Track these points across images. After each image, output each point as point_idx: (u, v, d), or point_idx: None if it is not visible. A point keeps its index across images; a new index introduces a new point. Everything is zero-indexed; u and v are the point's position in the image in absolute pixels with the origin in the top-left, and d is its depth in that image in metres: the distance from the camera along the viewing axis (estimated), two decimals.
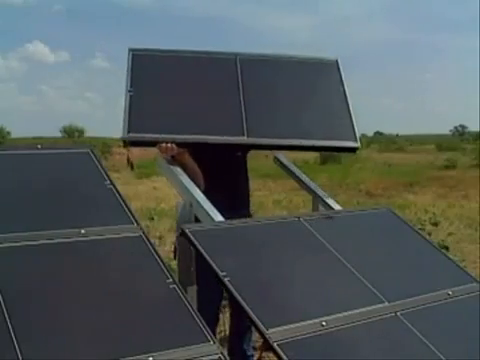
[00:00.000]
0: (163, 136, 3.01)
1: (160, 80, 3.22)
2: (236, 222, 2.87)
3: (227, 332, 4.50)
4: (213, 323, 3.38)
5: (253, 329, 3.46)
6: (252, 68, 3.39)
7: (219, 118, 3.19)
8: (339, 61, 3.63)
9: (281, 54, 3.61)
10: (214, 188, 3.20)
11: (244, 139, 3.09)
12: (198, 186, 3.04)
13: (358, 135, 3.36)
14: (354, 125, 3.37)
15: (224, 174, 3.37)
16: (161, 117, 3.09)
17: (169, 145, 3.03)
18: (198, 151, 3.19)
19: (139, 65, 3.12)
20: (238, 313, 3.01)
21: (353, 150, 3.38)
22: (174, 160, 3.09)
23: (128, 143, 3.05)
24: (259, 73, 3.43)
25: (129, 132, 2.93)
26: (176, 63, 3.33)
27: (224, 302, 4.35)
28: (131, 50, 3.20)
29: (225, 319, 4.59)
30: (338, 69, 3.60)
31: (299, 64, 3.58)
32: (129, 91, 2.98)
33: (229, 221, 2.87)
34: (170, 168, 3.07)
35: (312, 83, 3.55)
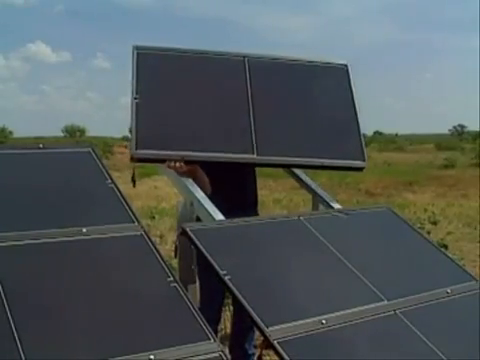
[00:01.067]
0: (173, 153, 2.93)
1: (166, 85, 3.10)
2: (237, 221, 2.88)
3: (228, 330, 4.52)
4: (214, 322, 3.39)
5: (255, 328, 3.48)
6: (261, 73, 3.30)
7: (228, 133, 3.11)
8: (349, 66, 3.55)
9: (290, 56, 3.50)
10: (221, 188, 3.20)
11: (254, 157, 3.04)
12: (205, 192, 3.02)
13: (366, 153, 3.33)
14: (362, 142, 3.35)
15: (231, 174, 3.35)
16: (169, 131, 2.99)
17: (178, 164, 2.98)
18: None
19: (144, 66, 2.99)
20: (240, 312, 3.00)
21: (360, 169, 3.36)
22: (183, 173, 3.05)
23: (136, 160, 2.94)
24: (268, 79, 3.34)
25: (137, 148, 2.84)
26: (183, 65, 3.21)
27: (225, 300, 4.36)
28: (136, 48, 3.07)
29: (226, 317, 4.61)
30: (348, 74, 3.54)
31: (308, 68, 3.49)
32: (135, 98, 2.86)
33: (230, 220, 2.88)
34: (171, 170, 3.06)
35: (322, 91, 3.47)
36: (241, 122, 3.13)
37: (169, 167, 3.01)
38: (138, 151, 2.85)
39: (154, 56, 3.13)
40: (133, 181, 3.09)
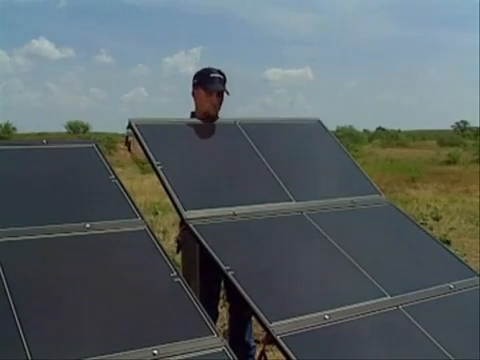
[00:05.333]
0: (224, 210, 2.90)
1: (180, 151, 3.14)
2: (240, 216, 2.89)
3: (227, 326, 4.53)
4: (212, 316, 3.39)
5: (253, 320, 3.48)
6: (255, 132, 3.44)
7: (259, 186, 3.19)
8: (321, 120, 3.83)
9: (270, 118, 3.78)
10: None
11: (294, 204, 3.13)
12: None
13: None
14: (370, 180, 3.59)
15: None
16: (206, 190, 3.01)
17: None
18: None
19: (150, 137, 3.01)
20: (238, 305, 2.98)
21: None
22: None
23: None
24: (265, 137, 3.48)
25: (186, 210, 2.77)
26: (184, 133, 3.28)
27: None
28: (133, 121, 3.07)
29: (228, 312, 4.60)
30: (324, 126, 3.80)
31: (290, 126, 3.74)
32: (158, 165, 2.87)
33: (233, 215, 2.89)
34: None
35: (311, 143, 3.70)
36: (264, 174, 3.23)
37: None
38: (188, 212, 2.77)
39: (153, 127, 3.16)
40: (179, 247, 3.07)
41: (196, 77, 3.48)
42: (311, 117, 3.88)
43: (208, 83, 3.41)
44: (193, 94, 3.50)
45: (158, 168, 2.86)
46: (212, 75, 3.45)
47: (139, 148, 3.00)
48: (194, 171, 3.06)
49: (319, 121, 3.82)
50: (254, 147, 3.31)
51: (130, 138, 3.02)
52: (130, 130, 3.02)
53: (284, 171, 3.26)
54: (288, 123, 3.74)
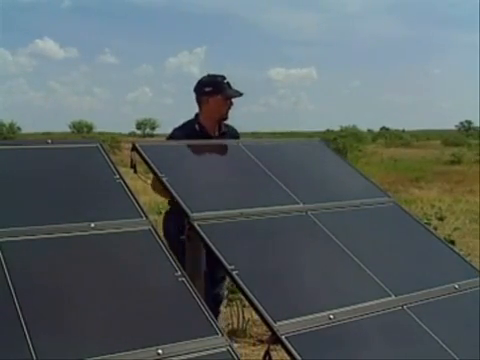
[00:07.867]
0: (230, 211, 2.93)
1: (185, 166, 3.23)
2: (244, 216, 2.89)
3: (235, 325, 4.54)
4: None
5: (227, 278, 3.50)
6: (259, 151, 3.52)
7: (265, 191, 3.24)
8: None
9: (272, 140, 4.02)
10: None
11: (302, 207, 3.15)
12: None
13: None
14: (376, 183, 3.68)
15: None
16: (212, 194, 3.06)
17: None
18: None
19: (154, 156, 3.07)
20: (213, 264, 2.96)
21: None
22: None
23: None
24: (268, 154, 3.56)
25: (193, 212, 2.80)
26: (188, 151, 3.40)
27: (231, 295, 4.38)
28: (137, 143, 3.13)
29: (233, 313, 4.61)
30: (327, 145, 3.99)
31: (293, 145, 3.96)
32: (162, 177, 2.93)
33: (236, 215, 2.89)
34: None
35: (314, 157, 3.80)
36: (269, 183, 3.28)
37: None
38: (194, 214, 2.80)
39: (157, 147, 3.29)
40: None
41: (208, 85, 3.70)
42: (315, 139, 4.11)
43: (226, 90, 3.69)
44: (202, 101, 3.71)
45: (164, 179, 2.90)
46: (226, 81, 3.70)
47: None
48: (199, 181, 3.13)
49: (321, 140, 4.00)
50: (257, 162, 3.38)
51: (135, 161, 3.09)
52: (134, 152, 3.07)
53: (289, 179, 3.31)
54: (290, 143, 3.94)
